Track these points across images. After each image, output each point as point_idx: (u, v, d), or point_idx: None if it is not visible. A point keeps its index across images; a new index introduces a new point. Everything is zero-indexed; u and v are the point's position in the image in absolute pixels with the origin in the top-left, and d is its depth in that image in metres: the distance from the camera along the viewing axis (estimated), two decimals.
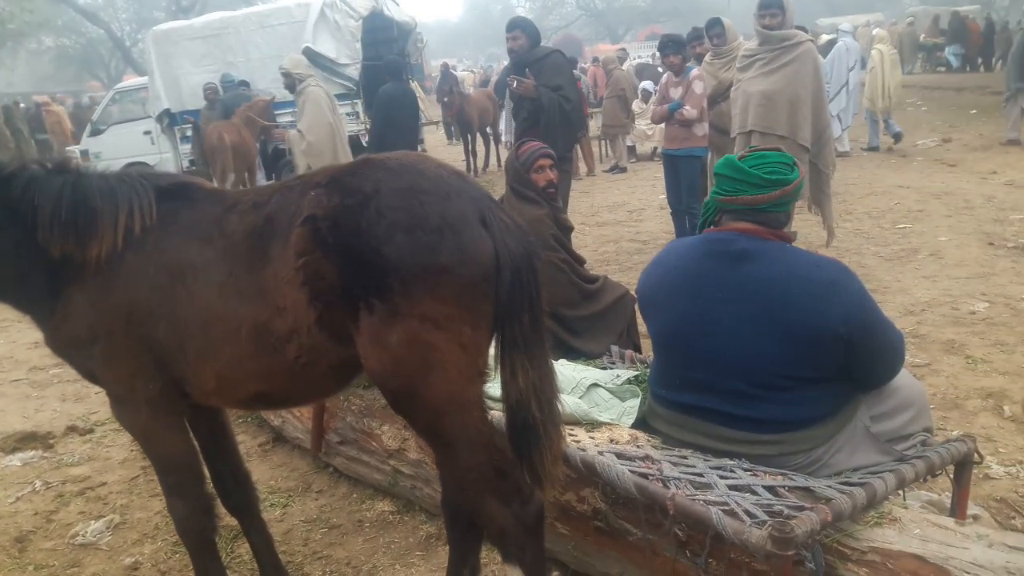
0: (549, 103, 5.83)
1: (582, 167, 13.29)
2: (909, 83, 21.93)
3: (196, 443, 2.51)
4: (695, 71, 6.92)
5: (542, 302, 2.06)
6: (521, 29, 6.21)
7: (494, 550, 2.52)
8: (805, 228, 7.05)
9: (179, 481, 2.39)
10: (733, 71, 6.28)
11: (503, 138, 14.92)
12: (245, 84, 12.10)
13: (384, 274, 1.89)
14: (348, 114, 12.61)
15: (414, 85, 15.16)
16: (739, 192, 2.48)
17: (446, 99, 14.91)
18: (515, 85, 5.93)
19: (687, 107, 6.72)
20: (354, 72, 12.73)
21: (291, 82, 7.67)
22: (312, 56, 12.63)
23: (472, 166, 14.65)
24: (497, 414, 2.75)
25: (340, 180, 2.02)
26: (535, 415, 2.04)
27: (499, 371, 2.06)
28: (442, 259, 1.89)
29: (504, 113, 18.02)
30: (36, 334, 2.32)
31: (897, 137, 12.38)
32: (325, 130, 7.61)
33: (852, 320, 2.35)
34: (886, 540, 2.13)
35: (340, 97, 12.49)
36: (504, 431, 2.12)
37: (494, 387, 2.90)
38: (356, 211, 1.93)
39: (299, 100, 7.63)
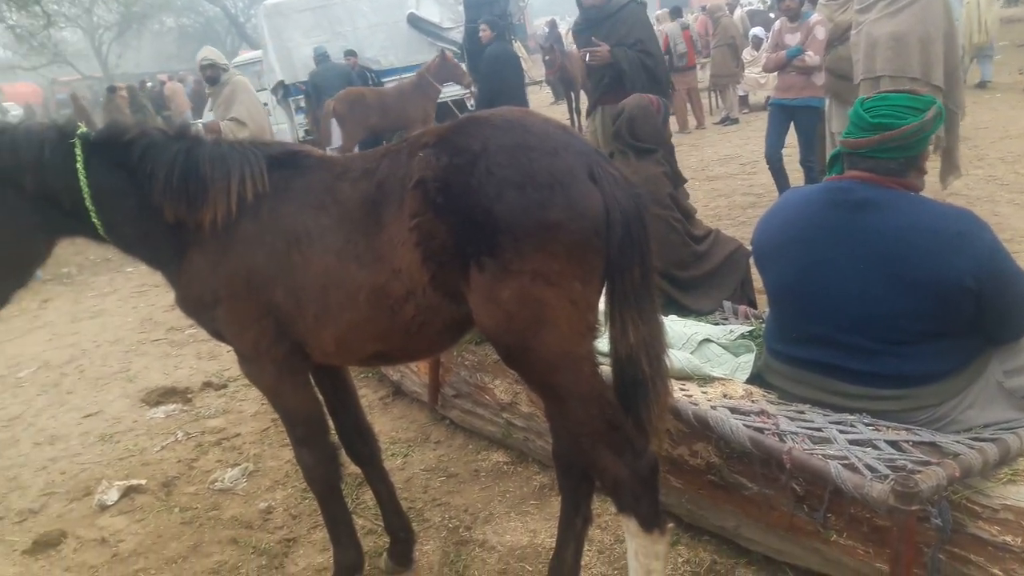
0: (630, 65, 5.20)
1: (691, 120, 12.96)
2: None
3: (320, 397, 2.62)
4: (815, 15, 6.54)
5: (652, 256, 2.03)
6: None
7: (607, 501, 2.55)
8: (931, 176, 6.67)
9: (306, 433, 2.50)
10: (850, 13, 5.92)
11: None
12: (352, 54, 12.32)
13: (494, 232, 1.88)
14: None
15: (517, 45, 15.14)
16: (850, 134, 2.41)
17: (547, 57, 14.76)
18: (587, 58, 5.34)
19: (809, 52, 6.36)
20: (457, 35, 12.79)
21: (216, 73, 7.34)
22: (415, 21, 12.78)
23: (576, 124, 14.53)
24: (607, 368, 2.78)
25: (448, 139, 2.02)
26: (644, 370, 2.02)
27: (609, 326, 2.04)
28: (552, 215, 1.87)
29: None
30: (173, 297, 2.47)
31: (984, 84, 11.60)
32: (263, 115, 7.57)
33: (982, 272, 2.23)
34: (1021, 498, 2.04)
35: None
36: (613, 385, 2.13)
37: (604, 342, 2.94)
38: (465, 170, 1.93)
39: (225, 90, 7.28)
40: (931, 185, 6.07)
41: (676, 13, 13.58)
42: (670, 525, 2.66)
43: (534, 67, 16.99)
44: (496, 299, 1.94)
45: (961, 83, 5.76)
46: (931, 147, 2.59)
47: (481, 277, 1.93)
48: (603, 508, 2.90)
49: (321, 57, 11.77)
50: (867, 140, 2.37)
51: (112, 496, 3.64)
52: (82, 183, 2.25)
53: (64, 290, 8.11)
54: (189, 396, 4.86)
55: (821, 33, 6.38)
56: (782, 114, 6.76)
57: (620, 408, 2.08)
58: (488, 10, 13.79)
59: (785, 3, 6.68)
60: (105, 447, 4.27)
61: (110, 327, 6.55)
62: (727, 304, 3.64)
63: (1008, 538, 1.99)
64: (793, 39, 6.56)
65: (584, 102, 14.96)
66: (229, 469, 3.75)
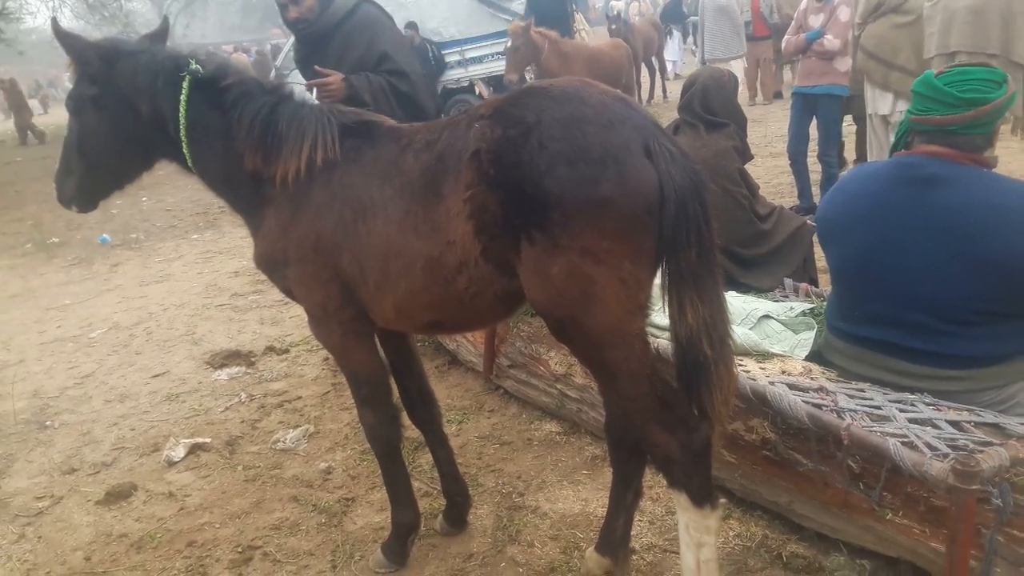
0: (373, 94, 3.68)
1: (759, 94, 12.73)
2: None
3: (390, 361, 2.69)
4: None
5: (712, 235, 1.98)
6: None
7: (659, 475, 2.58)
8: (1007, 155, 6.44)
9: (370, 393, 2.57)
10: None
11: (669, 68, 14.52)
12: (413, 26, 12.35)
13: (544, 206, 1.87)
14: None
15: (579, 16, 14.99)
16: (930, 111, 2.34)
17: (613, 27, 14.61)
18: (314, 93, 3.66)
19: (828, 36, 6.03)
20: (519, 7, 12.71)
21: None
22: None
23: (638, 98, 14.37)
24: (663, 343, 2.79)
25: (503, 111, 2.01)
26: (706, 353, 1.96)
27: (667, 306, 1.99)
28: (603, 191, 1.84)
29: (670, 42, 17.48)
30: (236, 263, 2.56)
31: None
32: None
33: None
34: None
35: (504, 34, 12.57)
36: (671, 361, 2.12)
37: (663, 316, 2.95)
38: (518, 142, 1.91)
39: None
40: (1003, 164, 5.87)
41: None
42: (722, 500, 2.68)
43: (596, 39, 16.81)
44: (545, 274, 1.93)
45: None
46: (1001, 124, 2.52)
47: (531, 251, 1.93)
48: (655, 480, 2.93)
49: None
50: (960, 117, 2.31)
51: (179, 453, 3.79)
52: (181, 115, 2.43)
53: (132, 255, 8.37)
54: (252, 359, 5.00)
55: (845, 14, 6.04)
56: (803, 104, 6.40)
57: (675, 385, 2.08)
58: None
59: None
60: (172, 406, 4.44)
61: (176, 291, 6.76)
62: (788, 282, 3.61)
63: None
64: (817, 20, 6.19)
65: (645, 77, 14.87)
66: (290, 430, 3.86)
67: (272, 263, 2.49)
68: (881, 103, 5.99)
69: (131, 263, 8.03)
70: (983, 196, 2.27)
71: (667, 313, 2.01)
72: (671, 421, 2.05)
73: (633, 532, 2.61)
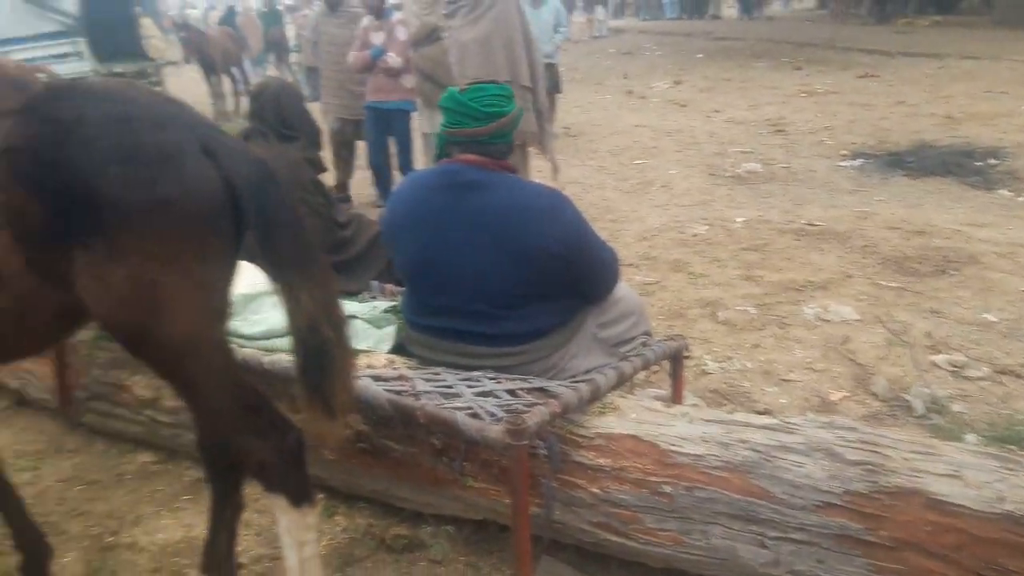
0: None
1: None
2: (645, 28, 23.68)
3: None
4: (397, 15, 6.58)
5: (301, 216, 1.97)
6: None
7: (255, 481, 2.58)
8: (539, 162, 7.40)
9: None
10: (436, 15, 5.99)
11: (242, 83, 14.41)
12: None
13: (98, 209, 1.76)
14: (69, 54, 11.52)
15: (146, 21, 14.06)
16: (461, 124, 2.68)
17: (183, 35, 14.03)
18: None
19: (391, 54, 6.34)
20: (70, 6, 11.53)
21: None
22: None
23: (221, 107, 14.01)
24: (248, 351, 2.80)
25: (37, 108, 1.84)
26: (328, 336, 1.95)
27: (283, 301, 1.95)
28: (161, 191, 1.78)
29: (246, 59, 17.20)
30: None
31: None
32: None
33: (569, 241, 2.63)
34: (608, 426, 2.46)
35: (57, 35, 11.32)
36: (258, 368, 2.08)
37: (249, 326, 2.95)
38: (59, 140, 1.77)
39: None
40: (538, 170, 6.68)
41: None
42: (320, 497, 2.78)
43: (170, 47, 15.90)
44: (107, 282, 1.81)
45: (543, 81, 5.94)
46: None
47: (88, 259, 1.80)
48: (257, 492, 2.92)
49: None
50: (485, 128, 2.65)
51: None
52: None
53: None
54: None
55: (402, 34, 6.34)
56: (377, 117, 6.70)
57: (257, 391, 2.08)
58: None
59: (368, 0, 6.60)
60: None
61: None
62: (374, 284, 3.82)
63: (602, 460, 2.39)
64: (377, 38, 6.49)
65: (227, 86, 14.46)
66: None
67: None
68: (438, 122, 6.43)
69: None
70: (512, 198, 2.65)
71: (284, 309, 1.95)
72: (261, 427, 2.04)
73: (241, 547, 2.59)
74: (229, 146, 1.91)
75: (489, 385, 2.60)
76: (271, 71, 17.04)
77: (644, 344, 3.01)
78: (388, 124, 6.70)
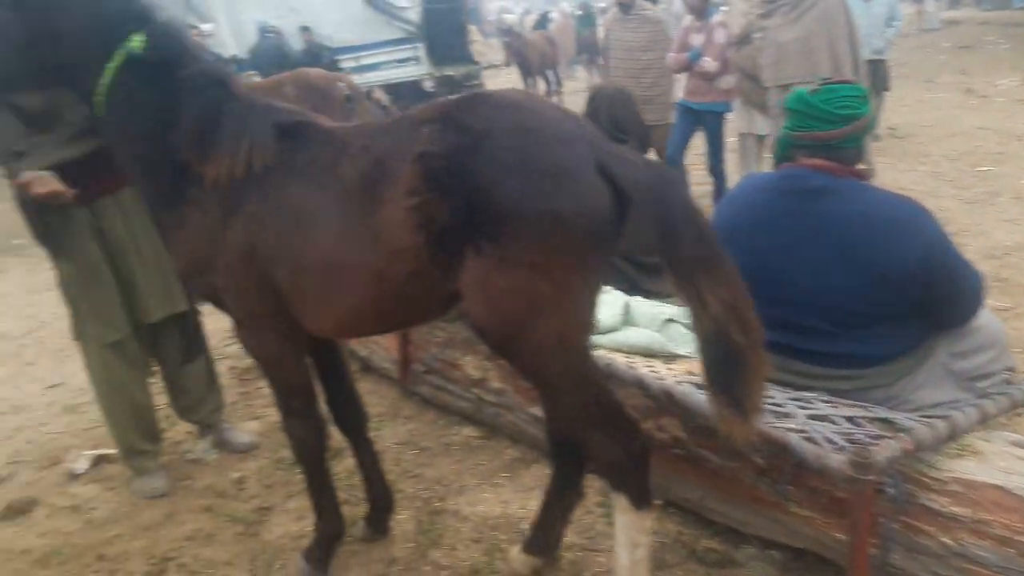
0: None
1: None
2: (987, 20, 20.95)
3: (318, 366, 2.66)
4: (718, 16, 6.41)
5: (702, 217, 1.94)
6: None
7: (601, 479, 2.63)
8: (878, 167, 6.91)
9: (300, 405, 2.52)
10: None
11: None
12: (306, 30, 12.18)
13: (494, 218, 1.85)
14: (409, 58, 12.67)
15: (473, 28, 15.16)
16: (811, 128, 2.51)
17: (506, 39, 14.88)
18: None
19: (706, 58, 6.18)
20: (414, 15, 12.70)
21: None
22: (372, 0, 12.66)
23: None
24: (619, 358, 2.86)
25: (452, 117, 1.97)
26: (737, 341, 1.90)
27: (687, 307, 1.93)
28: (555, 205, 1.83)
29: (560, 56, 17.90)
30: None
31: None
32: None
33: (929, 260, 2.38)
34: (968, 471, 2.19)
35: (401, 41, 12.54)
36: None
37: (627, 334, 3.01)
38: (469, 149, 1.88)
39: None
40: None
41: None
42: (657, 502, 2.77)
43: (490, 51, 17.01)
44: (491, 286, 1.91)
45: (865, 80, 5.67)
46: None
47: (477, 262, 1.90)
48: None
49: (266, 31, 11.55)
50: (838, 132, 2.48)
51: (82, 465, 3.65)
52: (104, 82, 2.28)
53: (18, 262, 7.90)
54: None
55: (721, 36, 6.19)
56: (689, 116, 6.57)
57: (612, 392, 2.12)
58: None
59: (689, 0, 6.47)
60: (71, 418, 4.26)
61: None
62: None
63: (957, 509, 2.13)
64: (697, 40, 6.34)
65: (542, 86, 15.16)
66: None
67: (192, 271, 2.40)
68: (758, 123, 6.27)
69: (16, 270, 7.59)
70: (863, 206, 2.45)
71: (689, 314, 1.94)
72: (613, 429, 2.08)
73: None
74: (625, 158, 1.94)
75: (824, 409, 2.44)
76: (580, 73, 17.62)
77: (1007, 382, 2.65)
78: (698, 123, 6.59)
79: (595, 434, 2.09)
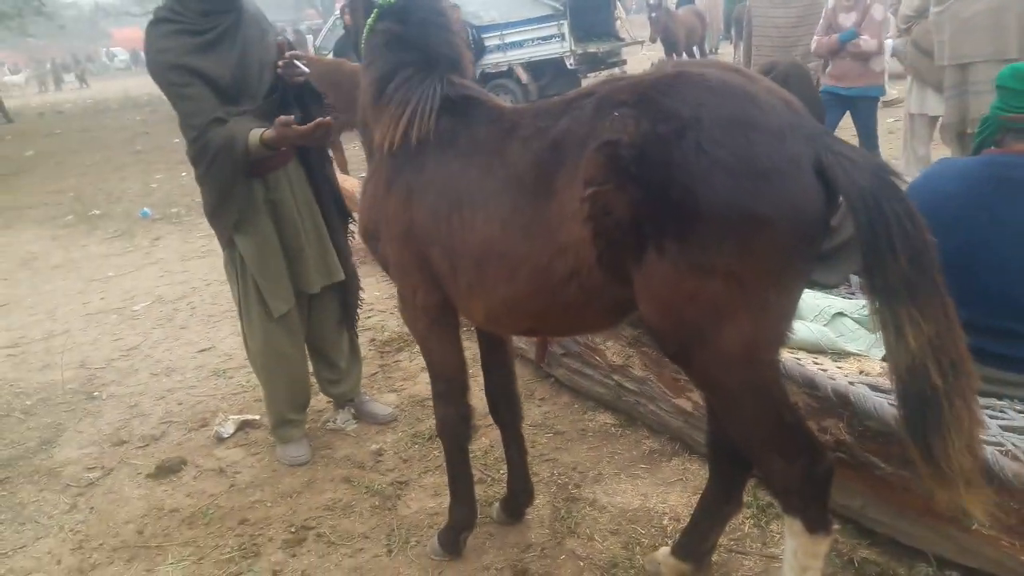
0: None
1: None
2: None
3: (483, 356, 2.61)
4: None
5: (924, 236, 1.62)
6: None
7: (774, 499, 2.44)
8: None
9: (446, 389, 2.49)
10: None
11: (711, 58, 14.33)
12: (455, 7, 12.28)
13: (691, 217, 1.62)
14: (553, 36, 12.60)
15: (618, 5, 14.88)
16: None
17: (653, 15, 14.47)
18: None
19: (864, 36, 5.67)
20: None
21: None
22: None
23: None
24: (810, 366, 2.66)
25: (653, 100, 1.71)
26: (935, 383, 1.59)
27: (881, 333, 1.67)
28: (762, 209, 1.60)
29: (708, 32, 17.31)
30: None
31: None
32: None
33: None
34: None
35: (546, 18, 12.47)
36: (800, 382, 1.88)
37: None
38: (670, 141, 1.64)
39: None
40: None
41: None
42: (836, 527, 2.55)
43: (633, 27, 16.62)
44: (674, 291, 1.71)
45: None
46: None
47: (659, 264, 1.69)
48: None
49: None
50: None
51: (228, 429, 3.78)
52: (363, 41, 2.41)
53: (173, 229, 8.40)
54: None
55: (879, 13, 5.71)
56: (836, 103, 6.00)
57: (796, 410, 1.89)
58: None
59: None
60: (219, 381, 4.44)
61: (218, 267, 6.75)
62: (854, 279, 3.51)
63: None
64: (848, 20, 5.84)
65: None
66: (339, 411, 3.83)
67: (367, 232, 2.43)
68: (932, 103, 5.78)
69: (172, 237, 8.06)
70: None
71: (883, 341, 1.68)
72: (792, 449, 1.85)
73: None
74: (847, 156, 1.65)
75: (1019, 420, 2.18)
76: (727, 49, 16.99)
77: None
78: (848, 110, 6.06)
79: (772, 455, 1.86)
